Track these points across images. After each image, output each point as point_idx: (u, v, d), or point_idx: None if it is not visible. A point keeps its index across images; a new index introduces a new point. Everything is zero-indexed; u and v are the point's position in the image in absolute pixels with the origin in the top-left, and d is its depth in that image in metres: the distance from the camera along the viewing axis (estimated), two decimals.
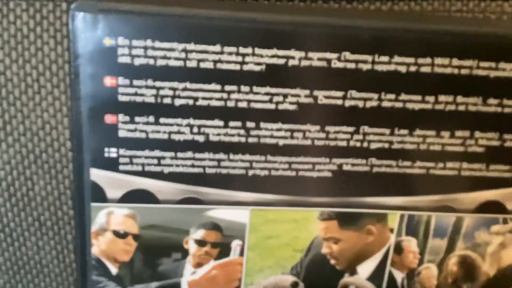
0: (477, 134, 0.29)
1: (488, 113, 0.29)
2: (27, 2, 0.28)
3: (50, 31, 0.28)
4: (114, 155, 0.28)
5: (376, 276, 0.32)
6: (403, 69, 0.27)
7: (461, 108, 0.28)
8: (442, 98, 0.28)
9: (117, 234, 0.29)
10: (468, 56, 0.27)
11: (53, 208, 0.32)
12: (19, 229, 0.33)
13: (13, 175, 0.31)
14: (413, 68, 0.27)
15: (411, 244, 0.32)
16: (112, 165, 0.28)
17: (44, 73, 0.29)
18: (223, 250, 0.31)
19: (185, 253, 0.31)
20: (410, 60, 0.27)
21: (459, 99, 0.28)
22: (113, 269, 0.30)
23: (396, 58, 0.27)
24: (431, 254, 0.32)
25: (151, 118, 0.27)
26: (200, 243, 0.30)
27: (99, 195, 0.28)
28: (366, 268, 0.32)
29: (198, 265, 0.31)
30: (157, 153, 0.28)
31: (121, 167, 0.28)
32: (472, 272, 0.33)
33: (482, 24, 0.29)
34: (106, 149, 0.27)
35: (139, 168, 0.28)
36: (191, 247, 0.30)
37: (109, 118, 0.27)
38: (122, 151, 0.27)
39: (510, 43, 0.27)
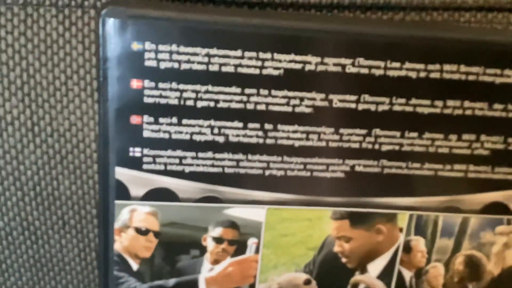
0: (483, 137, 0.31)
1: (493, 118, 0.30)
2: (57, 9, 0.30)
3: (79, 36, 0.30)
4: (138, 154, 0.29)
5: (385, 274, 0.34)
6: (413, 74, 0.29)
7: (468, 112, 0.30)
8: (450, 102, 0.29)
9: (139, 231, 0.31)
10: (475, 63, 0.29)
11: (77, 207, 0.33)
12: (44, 228, 0.34)
13: (39, 175, 0.32)
14: (423, 74, 0.29)
15: (419, 243, 0.33)
16: (136, 164, 0.29)
17: (72, 76, 0.30)
18: (240, 247, 0.32)
19: (203, 250, 0.32)
20: (420, 66, 0.29)
21: (466, 104, 0.30)
22: (134, 265, 0.32)
23: (407, 64, 0.28)
24: (438, 254, 0.34)
25: (174, 119, 0.28)
26: (218, 240, 0.32)
27: (123, 193, 0.30)
28: (376, 267, 0.34)
29: (215, 262, 0.32)
30: (179, 153, 0.29)
31: (144, 166, 0.29)
32: (477, 272, 0.34)
33: (488, 33, 0.30)
34: (130, 149, 0.29)
35: (162, 167, 0.29)
36: (209, 244, 0.32)
37: (134, 119, 0.28)
38: (146, 151, 0.29)
39: None
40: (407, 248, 0.33)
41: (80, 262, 0.35)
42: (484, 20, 0.32)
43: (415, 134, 0.30)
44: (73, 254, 0.35)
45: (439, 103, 0.29)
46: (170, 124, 0.28)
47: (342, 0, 0.31)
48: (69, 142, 0.32)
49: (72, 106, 0.31)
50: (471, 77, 0.29)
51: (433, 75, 0.29)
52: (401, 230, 0.33)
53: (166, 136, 0.29)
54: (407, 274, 0.34)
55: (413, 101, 0.29)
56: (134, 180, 0.29)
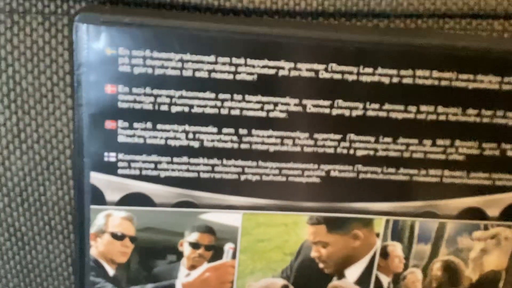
0: (458, 142, 0.31)
1: (467, 123, 0.30)
2: (43, 16, 0.30)
3: (65, 43, 0.30)
4: (113, 159, 0.29)
5: (363, 280, 0.34)
6: (386, 80, 0.29)
7: (442, 117, 0.30)
8: (423, 108, 0.30)
9: (114, 236, 0.31)
10: (448, 68, 0.29)
11: (63, 212, 0.34)
12: (31, 233, 0.34)
13: (26, 181, 0.33)
14: (395, 79, 0.29)
15: (396, 249, 0.33)
16: (111, 169, 0.29)
17: (58, 83, 0.31)
18: (216, 253, 0.32)
19: (179, 255, 0.32)
20: (393, 71, 0.29)
21: (440, 109, 0.30)
22: (110, 270, 0.32)
23: (380, 70, 0.29)
24: (416, 259, 0.34)
25: (149, 124, 0.29)
26: (194, 245, 0.32)
27: (98, 197, 0.30)
28: (353, 272, 0.34)
29: (192, 267, 0.32)
30: (154, 157, 0.29)
31: (119, 171, 0.29)
32: (455, 277, 0.34)
33: (460, 39, 0.30)
34: (105, 154, 0.29)
35: (137, 172, 0.29)
36: (186, 249, 0.32)
37: (109, 124, 0.28)
38: (120, 156, 0.29)
39: (487, 56, 0.29)
40: (384, 253, 0.33)
41: (67, 267, 0.35)
42: (468, 27, 0.32)
43: (389, 139, 0.30)
44: (60, 260, 0.35)
45: (412, 108, 0.30)
46: (145, 129, 0.29)
47: (327, 7, 0.31)
48: (55, 148, 0.32)
49: (58, 113, 0.31)
50: (444, 83, 0.29)
51: (405, 81, 0.29)
52: (377, 235, 0.33)
53: (141, 141, 0.29)
54: (385, 280, 0.34)
55: (387, 106, 0.30)
56: (109, 185, 0.30)
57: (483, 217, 0.33)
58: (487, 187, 0.32)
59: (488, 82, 0.29)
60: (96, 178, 0.29)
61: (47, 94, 0.31)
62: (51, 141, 0.32)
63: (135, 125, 0.28)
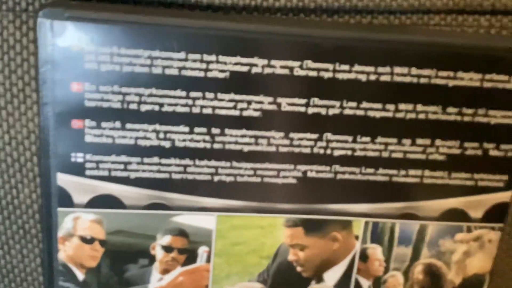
0: (438, 142, 0.30)
1: (448, 122, 0.29)
2: (14, 14, 0.29)
3: (37, 42, 0.29)
4: (80, 160, 0.28)
5: (342, 283, 0.33)
6: (363, 77, 0.28)
7: (421, 116, 0.29)
8: (402, 106, 0.29)
9: (83, 239, 0.30)
10: (427, 65, 0.28)
11: (37, 216, 0.33)
12: (4, 237, 0.33)
13: None
14: (373, 77, 0.28)
15: (376, 251, 0.32)
16: (78, 170, 0.28)
17: (29, 83, 0.30)
18: (190, 256, 0.31)
19: (152, 259, 0.31)
20: (370, 69, 0.28)
21: (419, 107, 0.29)
22: (80, 275, 0.30)
23: (356, 67, 0.28)
24: (397, 262, 0.33)
25: (118, 124, 0.28)
26: (167, 249, 0.31)
27: (66, 200, 0.29)
28: (332, 276, 0.33)
29: (165, 271, 0.31)
30: (124, 158, 0.28)
31: (87, 172, 0.28)
32: (437, 281, 0.34)
33: (440, 35, 0.30)
34: (72, 154, 0.28)
35: (106, 173, 0.28)
36: (158, 253, 0.31)
37: (75, 123, 0.27)
38: (88, 156, 0.28)
39: (467, 53, 0.28)
40: (364, 256, 0.32)
41: (43, 272, 0.34)
42: (454, 23, 0.32)
43: (367, 139, 0.29)
44: (35, 264, 0.34)
45: (390, 106, 0.29)
46: (113, 128, 0.28)
47: (308, 4, 0.30)
48: (28, 150, 0.31)
49: (30, 113, 0.30)
50: (423, 80, 0.28)
51: (383, 78, 0.28)
52: (357, 237, 0.32)
53: (109, 141, 0.28)
54: (365, 284, 0.33)
55: (364, 104, 0.29)
56: (77, 187, 0.28)
57: (466, 219, 0.32)
58: (470, 188, 0.31)
59: (469, 79, 0.29)
60: (63, 180, 0.28)
61: (18, 94, 0.30)
62: (23, 142, 0.31)
63: (103, 124, 0.27)
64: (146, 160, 0.28)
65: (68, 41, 0.26)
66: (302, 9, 0.31)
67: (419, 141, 0.30)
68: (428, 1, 0.31)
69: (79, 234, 0.30)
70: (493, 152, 0.30)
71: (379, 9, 0.31)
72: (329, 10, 0.31)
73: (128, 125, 0.28)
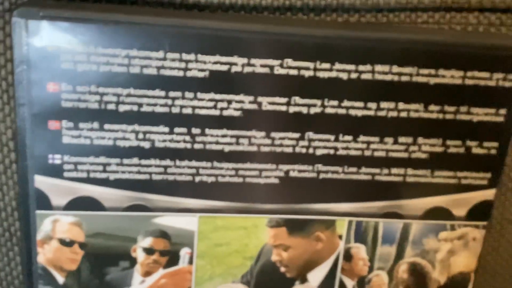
0: (420, 140, 0.30)
1: (430, 120, 0.29)
2: None
3: (7, 41, 0.28)
4: (58, 161, 0.27)
5: (326, 284, 0.32)
6: (344, 76, 0.28)
7: (403, 114, 0.29)
8: (384, 104, 0.29)
9: (63, 242, 0.29)
10: (408, 63, 0.28)
11: (11, 219, 0.32)
12: None
13: None
14: (354, 75, 0.28)
15: (360, 251, 0.32)
16: (56, 171, 0.28)
17: (0, 84, 0.29)
18: (172, 258, 0.31)
19: (133, 261, 0.30)
20: (351, 67, 0.28)
21: (401, 105, 0.29)
22: (60, 278, 0.30)
23: (337, 65, 0.28)
24: (381, 261, 0.33)
25: (95, 124, 0.27)
26: (148, 251, 0.30)
27: (44, 202, 0.28)
28: (316, 276, 0.32)
29: (147, 273, 0.31)
30: (102, 159, 0.28)
31: (65, 174, 0.28)
32: (422, 280, 0.33)
33: (421, 32, 0.29)
34: (50, 156, 0.27)
35: (84, 174, 0.28)
36: (139, 255, 0.30)
37: (52, 124, 0.27)
38: (66, 158, 0.27)
39: (448, 50, 0.28)
40: (348, 256, 0.32)
41: (18, 276, 0.34)
42: (442, 21, 0.31)
43: (349, 138, 0.29)
44: (9, 268, 0.34)
45: (372, 105, 0.29)
46: (91, 129, 0.27)
47: (295, 2, 0.30)
48: (13, 152, 0.30)
49: (1, 115, 0.30)
50: (404, 78, 0.28)
51: (364, 76, 0.28)
52: (340, 237, 0.32)
53: (88, 142, 0.27)
54: (349, 283, 0.33)
55: (346, 103, 0.28)
56: (55, 189, 0.28)
57: (450, 217, 0.32)
58: (453, 186, 0.31)
59: (450, 77, 0.28)
60: (41, 182, 0.28)
61: (2, 95, 0.29)
62: (7, 144, 0.30)
63: (81, 125, 0.27)
64: (125, 161, 0.28)
65: (43, 40, 0.25)
66: (289, 8, 0.31)
67: (402, 139, 0.29)
68: None
69: (58, 237, 0.29)
70: (476, 150, 0.30)
71: (366, 7, 0.31)
72: (316, 8, 0.31)
73: (107, 126, 0.27)
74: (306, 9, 0.31)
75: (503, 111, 0.29)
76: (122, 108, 0.27)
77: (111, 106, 0.27)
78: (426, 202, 0.31)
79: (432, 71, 0.28)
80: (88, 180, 0.28)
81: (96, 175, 0.28)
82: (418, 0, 0.31)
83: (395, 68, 0.28)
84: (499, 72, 0.28)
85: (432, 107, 0.29)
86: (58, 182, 0.28)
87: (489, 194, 0.31)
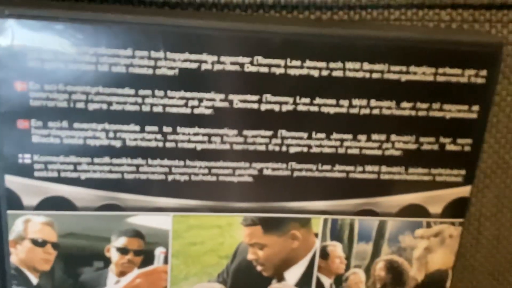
0: (394, 137, 0.30)
1: (402, 117, 0.29)
2: None
3: None
4: (28, 161, 0.27)
5: (304, 282, 0.32)
6: (315, 73, 0.28)
7: (376, 112, 0.29)
8: (356, 102, 0.29)
9: (35, 242, 0.29)
10: (379, 60, 0.28)
11: None
12: None
13: None
14: (325, 72, 0.28)
15: (336, 249, 0.32)
16: (26, 171, 0.27)
17: None
18: (147, 257, 0.30)
19: (107, 261, 0.30)
20: (322, 64, 0.28)
21: (373, 102, 0.29)
22: (33, 279, 0.30)
23: (308, 63, 0.27)
24: (358, 259, 0.33)
25: (65, 123, 0.27)
26: (122, 251, 0.30)
27: (15, 202, 0.28)
28: (293, 274, 0.32)
29: (122, 273, 0.31)
30: (73, 158, 0.28)
31: (36, 173, 0.28)
32: (399, 277, 0.33)
33: (391, 29, 0.29)
34: (20, 155, 0.27)
35: (55, 174, 0.28)
36: (113, 255, 0.30)
37: (21, 123, 0.27)
38: (36, 157, 0.27)
39: (419, 47, 0.28)
40: (324, 254, 0.32)
41: None
42: (415, 18, 0.31)
43: (322, 135, 0.29)
44: None
45: (344, 102, 0.28)
46: (61, 128, 0.27)
47: (266, 0, 0.30)
48: None
49: None
50: (375, 75, 0.28)
51: (335, 74, 0.28)
52: (316, 235, 0.31)
53: (57, 141, 0.27)
54: (327, 282, 0.33)
55: (318, 100, 0.28)
56: (26, 189, 0.28)
57: (425, 214, 0.32)
58: (428, 183, 0.31)
59: (422, 73, 0.28)
60: (12, 182, 0.27)
61: None
62: None
63: (50, 124, 0.27)
64: (96, 160, 0.28)
65: (10, 39, 0.25)
66: (261, 5, 0.31)
67: (375, 137, 0.29)
68: None
69: (30, 237, 0.29)
70: (450, 147, 0.30)
71: (338, 4, 0.31)
72: (288, 5, 0.31)
73: (76, 125, 0.27)
74: (278, 7, 0.31)
75: (476, 108, 0.29)
76: (92, 106, 0.27)
77: (80, 105, 0.27)
78: (401, 199, 0.31)
79: (403, 68, 0.28)
80: (59, 180, 0.28)
81: (67, 174, 0.28)
82: None
83: (366, 65, 0.28)
84: (470, 68, 0.28)
85: (404, 104, 0.29)
86: (28, 182, 0.28)
87: (464, 191, 0.31)
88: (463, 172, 0.31)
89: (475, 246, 0.37)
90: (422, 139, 0.30)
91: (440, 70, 0.28)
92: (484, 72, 0.29)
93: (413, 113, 0.29)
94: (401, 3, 0.31)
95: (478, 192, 0.35)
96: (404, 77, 0.28)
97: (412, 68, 0.28)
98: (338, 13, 0.31)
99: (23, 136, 0.27)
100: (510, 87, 0.33)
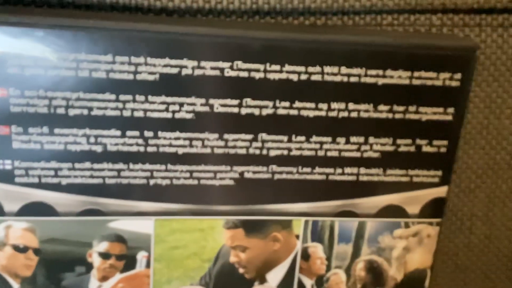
0: (372, 140, 0.30)
1: (380, 119, 0.30)
2: None
3: None
4: (9, 167, 0.27)
5: (285, 283, 0.33)
6: (294, 77, 0.28)
7: (354, 114, 0.29)
8: (334, 105, 0.29)
9: (16, 248, 0.29)
10: (356, 64, 0.28)
11: None
12: None
13: None
14: (304, 77, 0.28)
15: (317, 250, 0.33)
16: (7, 177, 0.27)
17: None
18: (129, 262, 0.31)
19: (89, 266, 0.30)
20: (301, 68, 0.28)
21: (351, 106, 0.29)
22: (15, 285, 0.30)
23: (287, 67, 0.28)
24: (338, 260, 0.33)
25: (45, 129, 0.27)
26: (104, 255, 0.30)
27: None
28: (275, 276, 0.33)
29: (104, 278, 0.31)
30: (54, 164, 0.28)
31: (16, 179, 0.28)
32: (379, 277, 0.34)
33: (368, 34, 0.30)
34: (0, 161, 0.27)
35: (36, 180, 0.28)
36: (95, 260, 0.30)
37: (1, 130, 0.27)
38: (17, 163, 0.27)
39: (395, 51, 0.29)
40: (305, 255, 0.32)
41: None
42: (407, 23, 0.32)
43: (302, 138, 0.30)
44: None
45: (323, 105, 0.29)
46: (41, 134, 0.27)
47: (262, 6, 0.30)
48: None
49: None
50: (353, 79, 0.29)
51: (314, 78, 0.28)
52: (297, 237, 0.32)
53: (38, 146, 0.27)
54: (308, 283, 0.33)
55: (297, 104, 0.29)
56: (7, 195, 0.28)
57: (403, 215, 0.32)
58: (405, 184, 0.32)
59: (398, 77, 0.29)
60: None
61: None
62: None
63: (30, 130, 0.27)
64: (77, 165, 0.28)
65: None
66: (257, 11, 0.31)
67: (353, 139, 0.30)
68: (380, 2, 0.31)
69: (11, 243, 0.29)
70: (426, 148, 0.31)
71: (332, 10, 0.31)
72: (283, 12, 0.31)
73: (57, 130, 0.27)
74: (274, 13, 0.31)
75: (451, 110, 0.30)
76: (72, 112, 0.27)
77: (60, 110, 0.27)
78: (380, 200, 0.32)
79: (380, 72, 0.29)
80: (40, 185, 0.28)
81: (47, 180, 0.28)
82: (382, 3, 0.31)
83: (344, 69, 0.28)
84: (445, 72, 0.29)
85: (381, 107, 0.30)
86: (9, 188, 0.28)
87: (441, 191, 0.32)
88: (439, 173, 0.32)
89: (467, 246, 0.38)
90: (399, 141, 0.30)
91: (416, 74, 0.29)
92: (458, 76, 0.29)
93: (390, 115, 0.30)
94: (393, 8, 0.32)
95: (470, 193, 0.36)
96: (381, 81, 0.29)
97: (389, 72, 0.29)
98: (332, 18, 0.32)
99: (3, 142, 0.27)
100: (500, 89, 0.34)
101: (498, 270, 0.39)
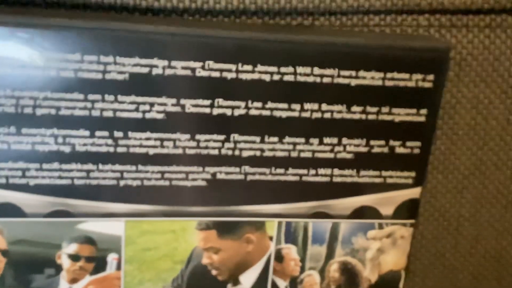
0: (345, 140, 0.30)
1: (353, 120, 0.30)
2: None
3: None
4: None
5: (259, 285, 0.33)
6: (267, 77, 0.28)
7: (327, 115, 0.29)
8: (307, 106, 0.29)
9: None
10: (329, 65, 0.28)
11: None
12: None
13: None
14: (276, 77, 0.28)
15: (291, 251, 0.32)
16: None
17: None
18: (99, 264, 0.30)
19: (58, 268, 0.30)
20: (273, 69, 0.28)
21: (324, 107, 0.29)
22: None
23: (259, 67, 0.28)
24: (312, 261, 0.33)
25: (12, 129, 0.26)
26: (74, 257, 0.30)
27: None
28: (248, 278, 0.32)
29: (73, 280, 0.30)
30: (21, 164, 0.27)
31: None
32: (353, 278, 0.34)
33: (341, 34, 0.30)
34: None
35: (3, 180, 0.27)
36: (64, 262, 0.30)
37: None
38: None
39: (368, 52, 0.28)
40: (279, 257, 0.32)
41: None
42: (394, 23, 0.32)
43: (275, 139, 0.29)
44: None
45: (296, 106, 0.29)
46: (8, 133, 0.26)
47: (249, 6, 0.30)
48: None
49: None
50: (325, 80, 0.29)
51: (287, 78, 0.28)
52: (271, 238, 0.32)
53: (5, 146, 0.27)
54: (282, 284, 0.33)
55: (270, 104, 0.29)
56: None
57: (377, 216, 0.32)
58: (379, 185, 0.32)
59: (371, 78, 0.29)
60: None
61: None
62: None
63: None
64: (45, 166, 0.27)
65: None
66: (244, 11, 0.31)
67: (327, 140, 0.30)
68: (367, 2, 0.31)
69: None
70: (399, 150, 0.31)
71: (319, 10, 0.31)
72: (270, 12, 0.31)
73: (24, 130, 0.27)
74: (261, 13, 0.31)
75: (424, 111, 0.30)
76: (40, 111, 0.26)
77: (28, 110, 0.26)
78: (354, 201, 0.32)
79: (353, 73, 0.29)
80: (7, 186, 0.27)
81: (15, 180, 0.27)
82: (369, 3, 0.31)
83: (317, 70, 0.28)
84: (418, 73, 0.29)
85: (354, 108, 0.29)
86: None
87: (414, 192, 0.32)
88: (413, 174, 0.32)
89: (455, 246, 0.38)
90: (372, 142, 0.30)
91: (389, 75, 0.29)
92: (431, 77, 0.29)
93: (363, 116, 0.30)
94: (380, 9, 0.32)
95: (457, 193, 0.36)
96: (354, 82, 0.29)
97: (362, 73, 0.29)
98: (319, 19, 0.32)
99: None
100: (487, 90, 0.34)
101: (486, 271, 0.39)
